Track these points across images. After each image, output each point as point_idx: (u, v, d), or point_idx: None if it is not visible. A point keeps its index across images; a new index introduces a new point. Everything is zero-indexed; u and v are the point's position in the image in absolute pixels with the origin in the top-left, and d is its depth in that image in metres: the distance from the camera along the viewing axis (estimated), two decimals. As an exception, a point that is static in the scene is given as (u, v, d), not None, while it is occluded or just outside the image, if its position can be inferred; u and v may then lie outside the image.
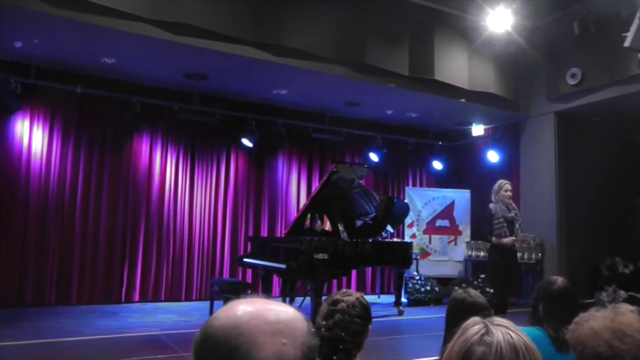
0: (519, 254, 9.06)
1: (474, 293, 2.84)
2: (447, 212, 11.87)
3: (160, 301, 9.70)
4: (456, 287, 9.98)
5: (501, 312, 6.97)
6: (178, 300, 9.89)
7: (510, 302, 7.88)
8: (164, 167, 10.00)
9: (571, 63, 9.87)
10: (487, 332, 1.18)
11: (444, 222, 11.83)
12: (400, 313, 9.14)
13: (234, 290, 7.48)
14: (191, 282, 10.09)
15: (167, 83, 9.42)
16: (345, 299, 2.49)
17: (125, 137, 9.66)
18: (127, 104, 9.24)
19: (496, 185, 7.19)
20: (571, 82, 9.85)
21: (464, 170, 12.69)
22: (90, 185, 9.34)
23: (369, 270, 12.02)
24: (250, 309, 1.01)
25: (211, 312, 8.06)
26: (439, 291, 10.59)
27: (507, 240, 6.96)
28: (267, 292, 9.26)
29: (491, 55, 10.03)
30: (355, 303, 2.48)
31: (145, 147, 9.85)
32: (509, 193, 7.13)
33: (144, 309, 8.93)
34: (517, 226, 7.12)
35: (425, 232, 11.74)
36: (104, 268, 9.33)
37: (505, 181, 7.23)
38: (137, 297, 9.53)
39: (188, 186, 10.26)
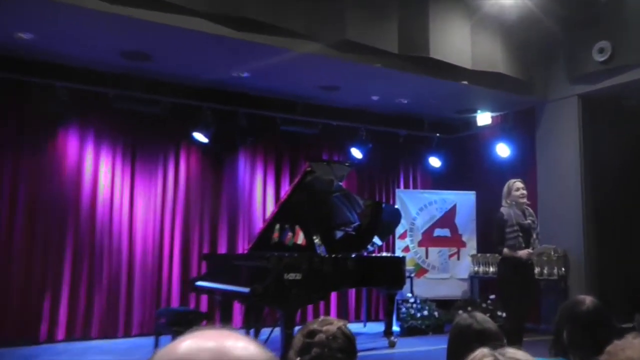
0: (537, 269, 9.13)
1: (482, 318, 2.84)
2: (448, 218, 11.92)
3: (92, 339, 9.56)
4: (460, 311, 10.03)
5: (516, 340, 7.00)
6: (114, 337, 9.77)
7: (527, 328, 7.92)
8: (96, 169, 9.88)
9: (599, 35, 9.94)
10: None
11: (444, 232, 11.87)
12: (392, 345, 9.13)
13: (185, 321, 7.40)
14: (131, 313, 9.98)
15: (100, 64, 9.31)
16: (324, 329, 2.47)
17: (48, 133, 9.53)
18: (50, 90, 9.11)
19: (505, 188, 7.24)
20: (599, 58, 9.94)
21: (468, 167, 12.76)
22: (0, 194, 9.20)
23: (352, 292, 12.01)
24: (203, 345, 0.97)
25: (156, 350, 7.97)
26: (439, 317, 10.62)
27: (522, 252, 6.99)
28: (227, 323, 9.21)
29: (499, 28, 10.11)
30: (336, 334, 2.45)
31: (73, 145, 9.73)
32: (523, 192, 7.16)
33: (70, 350, 8.77)
34: (534, 235, 7.17)
35: (420, 243, 11.77)
36: (19, 300, 9.10)
37: (515, 180, 7.27)
38: (61, 335, 9.37)
39: (127, 193, 10.16)
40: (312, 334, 2.45)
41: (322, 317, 2.61)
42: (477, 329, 2.75)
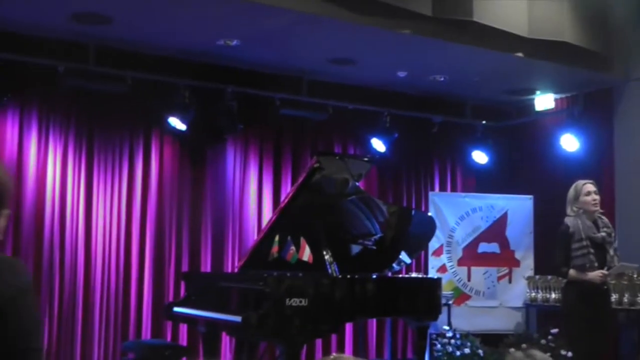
0: (613, 296, 9.07)
1: (541, 357, 2.82)
2: (496, 230, 11.89)
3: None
4: (512, 350, 10.00)
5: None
6: (68, 378, 9.82)
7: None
8: (42, 163, 9.88)
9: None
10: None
11: (492, 247, 11.85)
12: (424, 391, 9.12)
13: (160, 358, 7.41)
14: (90, 347, 9.98)
15: (46, 30, 9.35)
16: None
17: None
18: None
19: (571, 191, 7.22)
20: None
21: (523, 164, 12.75)
22: None
23: (372, 324, 12.02)
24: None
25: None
26: (484, 356, 10.59)
27: (593, 274, 6.95)
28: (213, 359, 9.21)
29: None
30: (352, 376, 2.43)
31: (10, 131, 9.73)
32: (595, 198, 7.12)
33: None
34: (610, 252, 7.13)
35: (461, 262, 11.76)
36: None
37: (585, 181, 7.23)
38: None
39: (83, 194, 10.16)
40: None
41: (333, 355, 2.59)
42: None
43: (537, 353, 2.87)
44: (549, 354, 9.87)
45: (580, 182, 7.26)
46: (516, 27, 9.75)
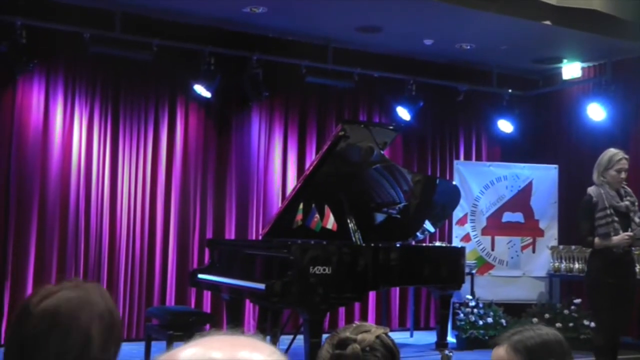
0: (638, 266, 9.03)
1: (550, 332, 2.79)
2: (521, 199, 11.84)
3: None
4: (535, 320, 10.01)
5: (608, 358, 6.96)
6: (94, 341, 9.85)
7: (624, 344, 7.87)
8: (67, 129, 9.93)
9: None
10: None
11: (516, 216, 11.81)
12: (446, 360, 9.14)
13: (184, 324, 7.46)
14: (115, 312, 10.06)
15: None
16: (359, 337, 2.45)
17: (4, 83, 9.60)
18: (6, 29, 9.13)
19: (605, 157, 7.12)
20: None
21: (549, 134, 12.69)
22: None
23: (395, 292, 12.04)
24: (210, 356, 0.96)
25: (147, 358, 8.04)
26: (507, 325, 10.58)
27: (619, 238, 6.87)
28: (237, 327, 9.26)
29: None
30: (374, 344, 2.42)
31: (36, 97, 9.78)
32: (624, 174, 7.06)
33: None
34: (636, 219, 7.06)
35: (485, 231, 11.73)
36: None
37: (620, 153, 7.15)
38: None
39: (109, 161, 10.22)
40: (343, 344, 2.44)
41: (356, 323, 2.60)
42: (536, 343, 2.73)
43: (542, 328, 2.86)
44: (571, 324, 9.90)
45: (614, 150, 7.11)
46: (544, -6, 9.69)
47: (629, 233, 6.92)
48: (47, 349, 1.93)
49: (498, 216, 11.78)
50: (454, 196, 9.57)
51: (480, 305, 10.68)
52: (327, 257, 7.36)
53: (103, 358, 2.01)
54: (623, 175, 7.05)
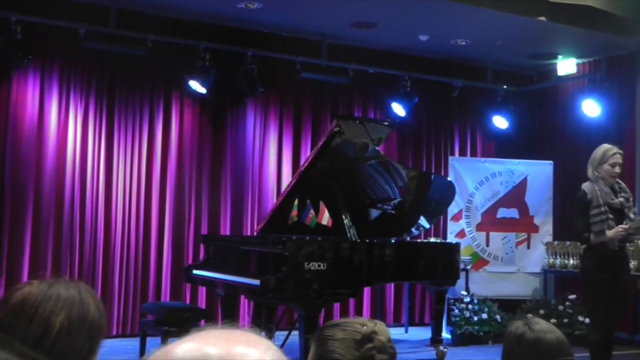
0: (632, 262, 9.03)
1: (542, 326, 2.80)
2: (516, 195, 11.85)
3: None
4: (529, 316, 10.00)
5: (602, 355, 6.98)
6: (89, 337, 9.85)
7: (619, 339, 7.89)
8: (62, 124, 9.93)
9: None
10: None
11: (511, 212, 11.81)
12: (441, 356, 9.13)
13: (179, 320, 7.46)
14: (109, 309, 10.04)
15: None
16: (377, 329, 2.47)
17: None
18: (1, 24, 9.12)
19: (598, 152, 7.11)
20: None
21: (543, 130, 12.71)
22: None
23: (390, 288, 12.07)
24: (206, 351, 0.96)
25: (142, 354, 8.04)
26: (502, 321, 10.60)
27: (613, 232, 6.86)
28: (232, 323, 9.27)
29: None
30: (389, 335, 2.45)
31: (31, 93, 9.77)
32: (618, 168, 7.06)
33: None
34: (631, 215, 7.04)
35: (480, 227, 11.74)
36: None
37: (614, 148, 7.14)
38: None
39: (104, 156, 10.22)
40: (368, 337, 2.44)
41: (350, 319, 2.59)
42: (531, 339, 2.74)
43: (538, 321, 2.87)
44: (566, 320, 9.93)
45: (608, 146, 7.09)
46: (539, -9, 9.70)
47: (624, 226, 6.90)
48: (14, 334, 2.17)
49: (493, 212, 11.78)
50: (448, 192, 9.57)
51: (475, 301, 10.70)
52: (322, 253, 7.36)
53: (72, 345, 2.24)
54: (617, 169, 7.04)
